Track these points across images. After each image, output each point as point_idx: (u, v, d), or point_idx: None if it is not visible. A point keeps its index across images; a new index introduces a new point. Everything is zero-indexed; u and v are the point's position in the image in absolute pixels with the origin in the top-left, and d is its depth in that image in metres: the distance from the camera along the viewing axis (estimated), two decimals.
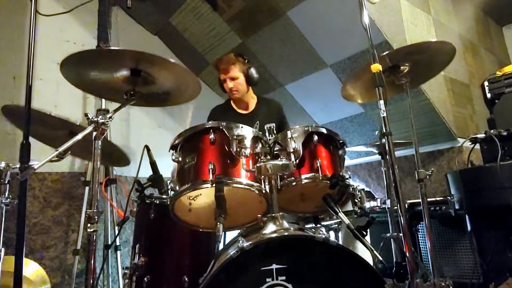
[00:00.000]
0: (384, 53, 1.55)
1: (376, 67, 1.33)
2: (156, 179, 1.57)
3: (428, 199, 1.94)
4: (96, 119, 1.25)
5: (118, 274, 2.63)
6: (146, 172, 1.59)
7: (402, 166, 3.06)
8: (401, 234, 1.24)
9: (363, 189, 1.55)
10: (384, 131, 1.29)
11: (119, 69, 1.37)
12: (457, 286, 2.05)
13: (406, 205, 2.29)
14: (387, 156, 1.28)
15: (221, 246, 1.66)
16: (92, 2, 2.48)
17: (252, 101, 2.34)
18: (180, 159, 1.41)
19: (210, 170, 1.30)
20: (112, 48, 1.35)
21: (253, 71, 2.22)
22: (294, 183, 1.41)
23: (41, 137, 1.67)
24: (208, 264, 1.29)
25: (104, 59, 1.35)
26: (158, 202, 1.62)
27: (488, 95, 2.45)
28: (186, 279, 1.54)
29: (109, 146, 1.78)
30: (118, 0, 2.93)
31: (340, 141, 1.54)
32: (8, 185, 1.61)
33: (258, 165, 1.31)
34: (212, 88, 3.70)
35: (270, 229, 1.26)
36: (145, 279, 1.55)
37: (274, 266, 1.13)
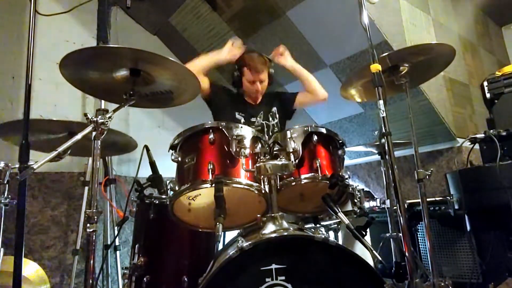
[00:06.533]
0: (384, 54, 1.55)
1: (376, 67, 1.33)
2: (155, 179, 1.57)
3: (428, 199, 1.94)
4: (95, 119, 1.25)
5: (118, 274, 2.63)
6: (145, 172, 1.59)
7: (401, 166, 3.06)
8: (400, 234, 1.24)
9: (363, 189, 1.55)
10: (384, 131, 1.29)
11: (118, 69, 1.36)
12: (457, 286, 2.04)
13: (406, 205, 2.30)
14: (387, 156, 1.28)
15: (220, 246, 1.66)
16: (91, 2, 2.49)
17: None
18: (179, 159, 1.41)
19: (210, 170, 1.30)
20: (111, 45, 1.34)
21: (272, 71, 2.22)
22: (293, 183, 1.41)
23: (41, 145, 1.67)
24: (207, 264, 1.29)
25: (103, 58, 1.35)
26: (157, 202, 1.62)
27: (488, 95, 2.45)
28: (186, 279, 1.54)
29: (111, 136, 1.75)
30: (118, 0, 2.93)
31: (340, 141, 1.54)
32: (7, 185, 1.60)
33: (257, 165, 1.31)
34: None
35: (269, 229, 1.26)
36: (145, 279, 1.54)
37: (273, 266, 1.13)
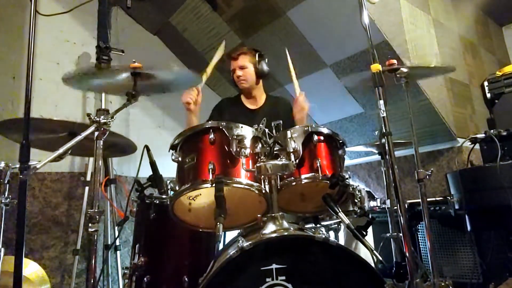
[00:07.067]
0: (389, 67, 1.54)
1: (376, 67, 1.33)
2: (156, 179, 1.57)
3: (428, 199, 1.94)
4: (98, 119, 1.25)
5: (118, 274, 2.63)
6: (146, 172, 1.59)
7: (401, 166, 3.06)
8: (401, 234, 1.24)
9: (363, 189, 1.55)
10: (384, 131, 1.29)
11: (119, 75, 1.38)
12: (457, 286, 2.05)
13: (406, 205, 2.29)
14: (387, 156, 1.28)
15: (221, 246, 1.66)
16: (92, 2, 2.49)
17: (262, 97, 2.33)
18: (180, 159, 1.41)
19: (210, 170, 1.30)
20: (109, 65, 1.39)
21: (263, 63, 2.23)
22: (294, 183, 1.41)
23: (41, 144, 1.67)
24: (208, 264, 1.29)
25: (103, 71, 1.38)
26: (158, 202, 1.62)
27: (488, 95, 2.45)
28: (186, 279, 1.54)
29: (111, 137, 1.76)
30: (118, 0, 2.94)
31: (340, 141, 1.54)
32: (7, 185, 1.61)
33: (258, 165, 1.30)
34: (212, 88, 3.70)
35: (269, 229, 1.26)
36: (145, 279, 1.55)
37: (274, 266, 1.13)
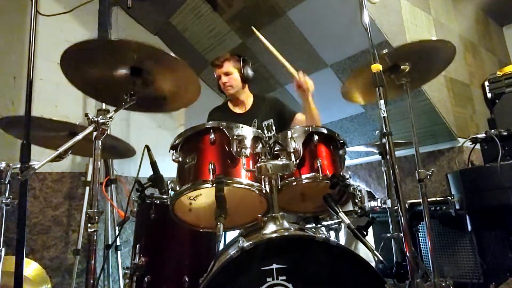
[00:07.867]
0: (384, 52, 1.54)
1: (376, 67, 1.33)
2: (156, 179, 1.57)
3: (429, 199, 1.93)
4: (96, 119, 1.25)
5: (119, 274, 2.64)
6: (146, 172, 1.59)
7: (402, 166, 3.06)
8: (401, 234, 1.24)
9: (364, 189, 1.55)
10: (385, 131, 1.29)
11: (120, 66, 1.36)
12: (457, 286, 2.04)
13: (407, 205, 2.29)
14: (388, 156, 1.27)
15: (221, 246, 1.66)
16: (92, 2, 2.49)
17: (249, 100, 2.34)
18: (180, 159, 1.41)
19: (211, 170, 1.30)
20: (114, 39, 1.34)
21: (248, 68, 2.24)
22: (294, 183, 1.41)
23: (42, 141, 1.67)
24: (208, 264, 1.29)
25: (105, 52, 1.34)
26: (158, 202, 1.62)
27: (489, 95, 2.44)
28: (187, 279, 1.54)
29: (111, 140, 1.76)
30: (118, 0, 2.94)
31: (341, 141, 1.54)
32: (8, 185, 1.61)
33: (258, 165, 1.31)
34: (212, 88, 3.70)
35: (270, 229, 1.26)
36: (146, 279, 1.55)
37: (274, 266, 1.13)
